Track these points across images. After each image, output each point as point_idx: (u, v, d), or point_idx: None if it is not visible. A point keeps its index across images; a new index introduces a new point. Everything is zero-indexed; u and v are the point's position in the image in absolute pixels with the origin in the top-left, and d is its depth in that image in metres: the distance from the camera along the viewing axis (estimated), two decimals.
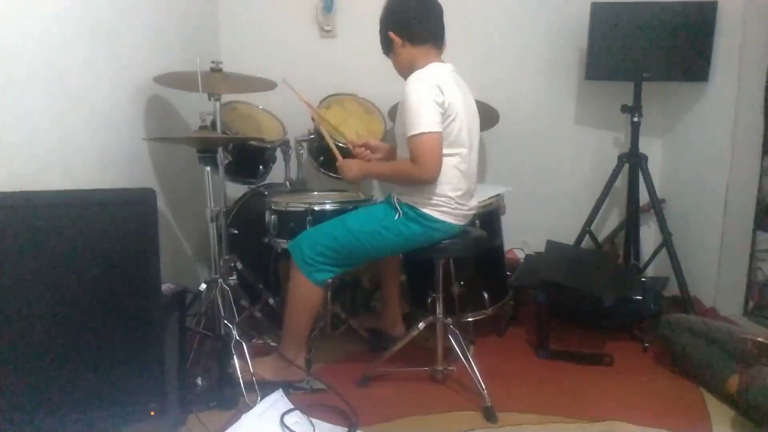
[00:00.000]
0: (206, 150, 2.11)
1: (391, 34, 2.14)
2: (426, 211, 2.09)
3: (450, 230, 2.13)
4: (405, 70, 2.12)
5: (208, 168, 2.14)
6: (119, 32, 2.25)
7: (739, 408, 2.00)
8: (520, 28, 3.32)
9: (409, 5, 2.15)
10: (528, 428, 1.95)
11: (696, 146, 3.13)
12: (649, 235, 3.39)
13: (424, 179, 2.01)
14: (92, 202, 1.03)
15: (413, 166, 1.99)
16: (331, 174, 2.77)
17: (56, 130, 1.87)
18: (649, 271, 3.32)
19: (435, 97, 1.97)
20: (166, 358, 1.80)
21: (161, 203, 2.63)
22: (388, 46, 2.19)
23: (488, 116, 3.12)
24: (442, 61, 2.16)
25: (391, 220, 2.11)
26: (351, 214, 2.20)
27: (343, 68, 3.30)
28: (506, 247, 3.30)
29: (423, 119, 1.95)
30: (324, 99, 3.01)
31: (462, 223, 2.17)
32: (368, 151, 2.38)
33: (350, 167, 2.23)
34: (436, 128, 1.96)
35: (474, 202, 2.25)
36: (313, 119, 2.70)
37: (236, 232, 2.70)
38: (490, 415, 2.04)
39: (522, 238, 3.38)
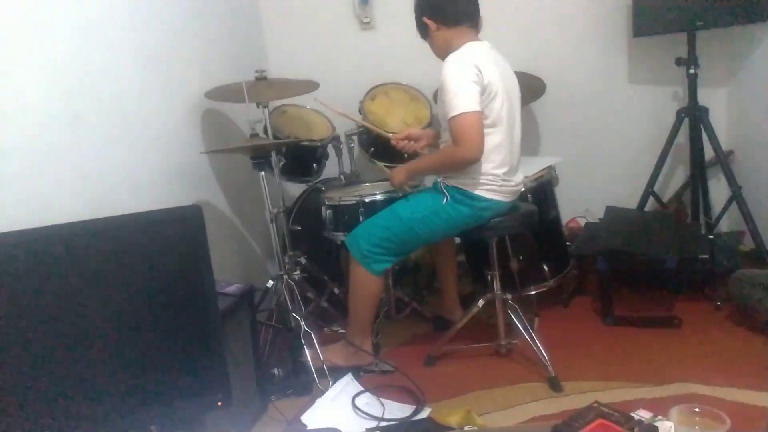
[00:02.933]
0: (258, 156, 2.24)
1: (425, 19, 2.18)
2: (472, 191, 2.12)
3: (498, 208, 2.16)
4: (442, 52, 2.15)
5: (262, 173, 2.27)
6: (170, 56, 2.42)
7: None
8: None
9: None
10: (593, 395, 1.93)
11: (763, 92, 2.95)
12: (719, 190, 3.24)
13: (469, 159, 2.04)
14: (141, 225, 1.14)
15: (456, 148, 2.03)
16: (389, 166, 2.82)
17: (121, 156, 2.05)
18: (723, 227, 3.18)
19: (473, 77, 1.99)
20: (241, 353, 1.98)
21: (227, 210, 2.81)
22: (424, 31, 2.22)
23: (534, 87, 3.08)
24: (479, 40, 2.17)
25: (439, 204, 2.16)
26: (401, 202, 2.27)
27: (385, 58, 3.35)
28: (568, 216, 3.28)
29: (461, 100, 1.98)
30: (369, 91, 3.07)
31: (510, 199, 2.20)
32: (412, 142, 2.40)
33: (398, 173, 2.29)
34: (476, 107, 1.99)
35: (520, 177, 2.26)
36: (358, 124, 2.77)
37: (299, 228, 2.84)
38: (555, 385, 2.07)
39: (584, 206, 3.32)
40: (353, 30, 3.48)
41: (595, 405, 1.12)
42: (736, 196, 2.83)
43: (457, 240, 2.74)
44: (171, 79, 2.42)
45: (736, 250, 2.91)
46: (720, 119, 3.17)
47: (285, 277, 2.33)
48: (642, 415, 1.09)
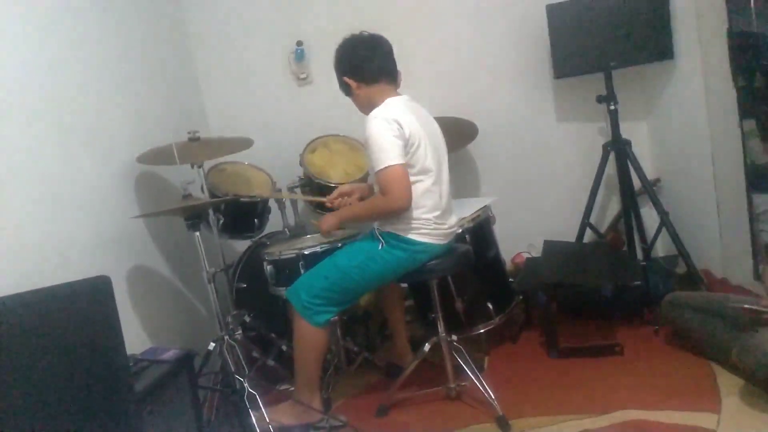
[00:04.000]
0: (192, 216, 2.23)
1: (346, 79, 2.26)
2: (406, 235, 2.16)
3: (433, 251, 2.20)
4: (366, 108, 2.22)
5: (197, 233, 2.26)
6: (95, 122, 2.41)
7: (743, 377, 1.99)
8: (484, 40, 3.40)
9: (356, 49, 2.26)
10: (540, 431, 1.98)
11: (677, 122, 3.14)
12: (652, 217, 3.38)
13: (396, 209, 2.09)
14: (46, 300, 1.11)
15: (384, 199, 2.09)
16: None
17: (47, 227, 2.01)
18: (659, 252, 3.31)
19: (394, 131, 2.07)
20: (183, 421, 1.92)
21: (167, 273, 2.77)
22: (346, 90, 2.31)
23: (467, 131, 3.20)
24: (398, 94, 2.27)
25: (375, 250, 2.19)
26: (339, 252, 2.29)
27: (324, 111, 3.41)
28: (513, 252, 3.36)
29: (385, 154, 2.04)
30: (309, 143, 3.12)
31: (444, 242, 2.24)
32: (345, 198, 2.43)
33: (326, 220, 2.32)
34: (399, 160, 2.05)
35: (454, 220, 2.32)
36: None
37: (245, 285, 2.82)
38: (503, 425, 2.08)
39: (526, 242, 3.41)
40: (290, 86, 3.56)
41: None
42: (665, 222, 2.95)
43: (405, 285, 2.77)
44: (99, 146, 2.41)
45: (672, 274, 3.03)
46: (645, 150, 3.34)
47: (226, 338, 2.29)
48: None
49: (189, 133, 2.51)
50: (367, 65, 2.23)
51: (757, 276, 2.80)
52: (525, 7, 3.28)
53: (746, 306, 1.90)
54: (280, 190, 3.01)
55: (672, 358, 2.33)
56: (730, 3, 2.70)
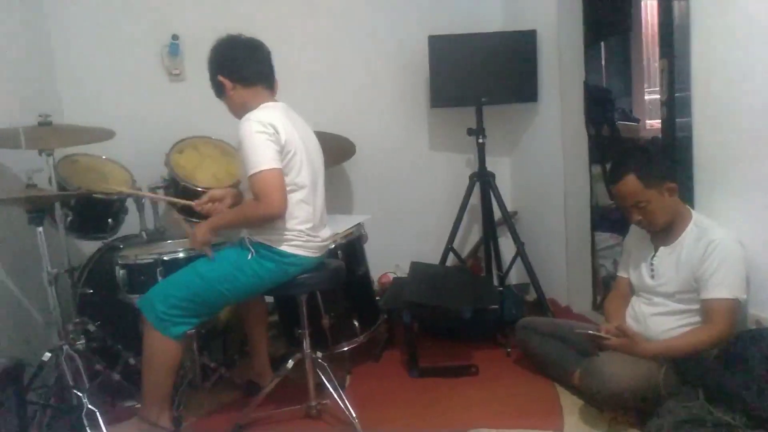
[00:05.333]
0: (36, 210, 1.98)
1: (221, 78, 2.16)
2: (278, 247, 2.09)
3: (304, 264, 2.15)
4: (239, 112, 2.13)
5: (40, 228, 2.01)
6: None
7: (583, 397, 2.18)
8: (366, 62, 3.47)
9: (235, 48, 2.17)
10: None
11: (536, 160, 3.41)
12: (508, 246, 3.61)
13: (271, 215, 2.02)
14: None
15: (258, 204, 2.00)
16: (193, 219, 2.67)
17: None
18: (513, 279, 3.54)
19: (269, 135, 2.00)
20: None
21: None
22: (219, 90, 2.19)
23: (345, 148, 3.21)
24: (275, 101, 2.21)
25: (244, 260, 2.09)
26: (202, 260, 2.15)
27: (196, 111, 3.21)
28: (380, 272, 3.40)
29: (260, 157, 1.97)
30: (176, 144, 2.93)
31: (317, 255, 2.20)
32: (216, 203, 2.29)
33: (200, 230, 2.15)
34: (275, 164, 1.99)
35: (327, 233, 2.29)
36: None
37: (91, 291, 2.55)
38: None
39: (394, 262, 3.47)
40: (161, 81, 3.34)
41: None
42: (520, 252, 3.17)
43: (270, 299, 2.68)
44: None
45: (523, 300, 3.25)
46: (506, 183, 3.59)
47: (65, 347, 2.05)
48: None
49: (40, 116, 2.25)
50: (245, 67, 2.15)
51: (595, 305, 3.10)
52: (409, 34, 3.41)
53: (590, 332, 2.08)
54: (140, 189, 2.79)
55: (522, 379, 2.48)
56: (587, 57, 3.01)
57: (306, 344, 2.25)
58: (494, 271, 3.39)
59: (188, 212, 2.53)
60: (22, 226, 2.08)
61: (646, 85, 4.23)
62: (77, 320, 2.31)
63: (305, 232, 2.13)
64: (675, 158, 2.15)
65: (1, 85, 2.60)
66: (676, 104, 2.14)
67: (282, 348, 2.80)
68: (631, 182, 1.99)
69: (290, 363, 2.24)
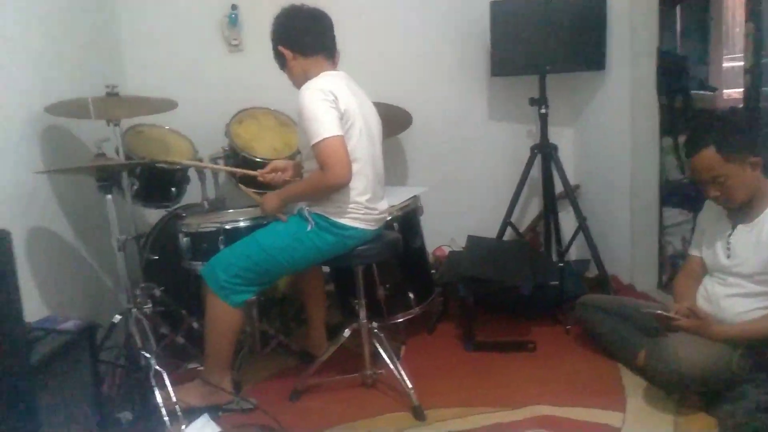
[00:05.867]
0: (105, 178, 2.04)
1: (281, 48, 2.15)
2: (337, 219, 2.09)
3: (363, 236, 2.15)
4: (300, 81, 2.12)
5: (110, 196, 2.08)
6: (3, 65, 2.15)
7: (648, 379, 2.10)
8: (425, 31, 3.38)
9: (296, 19, 2.16)
10: (455, 422, 1.99)
11: (601, 132, 3.27)
12: (569, 221, 3.51)
13: (337, 184, 2.01)
14: None
15: (324, 174, 1.99)
16: (258, 192, 2.71)
17: None
18: (572, 255, 3.44)
19: (330, 103, 1.99)
20: (80, 396, 1.77)
21: (70, 237, 2.54)
22: (281, 61, 2.20)
23: (401, 119, 3.17)
24: (336, 70, 2.19)
25: (304, 231, 2.10)
26: (262, 230, 2.17)
27: (254, 82, 3.25)
28: (434, 245, 3.38)
29: (322, 125, 1.96)
30: (236, 114, 2.97)
31: (374, 227, 2.19)
32: (279, 173, 2.33)
33: (270, 200, 2.19)
34: (337, 132, 1.97)
35: (385, 206, 2.27)
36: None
37: (156, 257, 2.64)
38: (418, 414, 2.07)
39: (449, 235, 3.43)
40: (221, 51, 3.37)
41: None
42: (582, 227, 3.07)
43: (326, 269, 2.70)
44: (4, 90, 2.15)
45: (583, 277, 3.16)
46: (568, 156, 3.46)
47: (134, 311, 2.13)
48: None
49: (107, 87, 2.30)
50: (305, 36, 2.14)
51: (661, 284, 2.98)
52: (470, 1, 3.28)
53: (659, 312, 1.99)
54: (201, 160, 2.84)
55: (582, 357, 2.42)
56: (661, 21, 2.83)
57: (362, 314, 2.26)
58: (554, 247, 3.31)
59: (248, 182, 2.57)
60: (92, 194, 2.15)
61: (725, 52, 3.96)
62: (144, 285, 2.40)
63: (363, 204, 2.12)
64: (759, 130, 2.01)
65: (71, 57, 2.67)
66: (762, 72, 1.99)
67: (337, 317, 2.83)
68: (709, 155, 1.87)
69: (347, 332, 2.26)
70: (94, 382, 1.85)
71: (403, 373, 2.16)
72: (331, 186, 2.02)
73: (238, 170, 2.54)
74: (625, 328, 2.25)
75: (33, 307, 2.10)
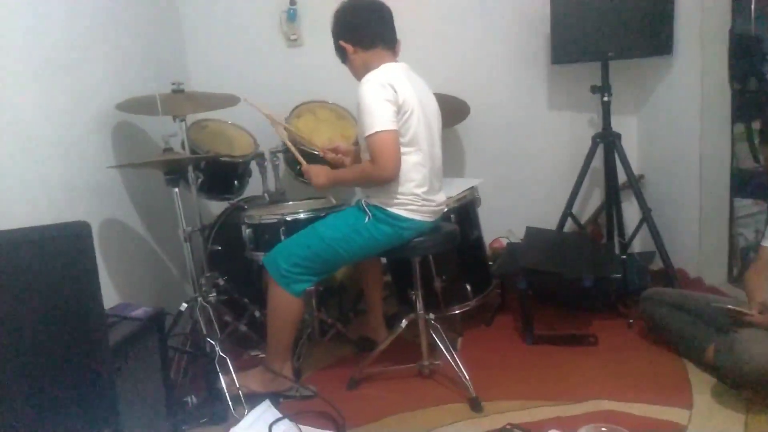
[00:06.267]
0: (172, 171, 2.13)
1: (342, 42, 2.18)
2: (394, 210, 2.11)
3: (420, 228, 2.16)
4: (361, 74, 2.14)
5: (176, 189, 2.17)
6: (77, 63, 2.28)
7: (717, 376, 2.02)
8: (483, 20, 3.33)
9: (355, 12, 2.18)
10: (512, 415, 1.96)
11: (668, 120, 3.14)
12: (632, 212, 3.40)
13: (385, 177, 2.03)
14: (20, 241, 1.02)
15: (373, 167, 2.02)
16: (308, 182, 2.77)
17: (17, 169, 1.89)
18: (636, 247, 3.33)
19: (387, 96, 2.00)
20: (150, 380, 1.86)
21: (140, 228, 2.67)
22: (342, 55, 2.23)
23: (458, 110, 3.14)
24: (396, 61, 2.19)
25: (361, 223, 2.13)
26: (322, 221, 2.22)
27: (312, 76, 3.32)
28: (492, 236, 3.34)
29: (377, 119, 1.98)
30: (295, 108, 3.03)
31: (431, 219, 2.20)
32: (340, 155, 2.39)
33: (317, 173, 2.23)
34: (391, 126, 1.99)
35: (442, 197, 2.27)
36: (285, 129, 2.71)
37: (219, 248, 2.74)
38: (475, 406, 2.06)
39: (507, 227, 3.39)
40: (280, 46, 3.44)
41: (508, 427, 1.11)
42: (647, 218, 2.96)
43: (383, 260, 2.73)
44: (78, 88, 2.27)
45: (647, 270, 3.05)
46: (632, 145, 3.34)
47: (200, 299, 2.22)
48: None
49: (173, 84, 2.41)
50: (365, 29, 2.16)
51: (732, 278, 2.84)
52: None
53: (730, 306, 1.91)
54: (262, 154, 2.92)
55: (645, 352, 2.35)
56: (734, 2, 2.68)
57: (419, 305, 2.27)
58: (616, 238, 3.21)
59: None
60: (160, 188, 2.25)
61: None
62: (208, 275, 2.49)
63: (420, 196, 2.12)
64: None
65: (138, 56, 2.80)
66: None
67: (394, 308, 2.85)
68: None
69: (404, 322, 2.27)
70: (162, 367, 1.94)
71: (460, 364, 2.16)
72: (378, 178, 2.04)
73: (299, 143, 2.57)
74: (693, 323, 2.17)
75: (105, 295, 2.21)
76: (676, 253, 2.99)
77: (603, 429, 1.09)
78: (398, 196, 2.10)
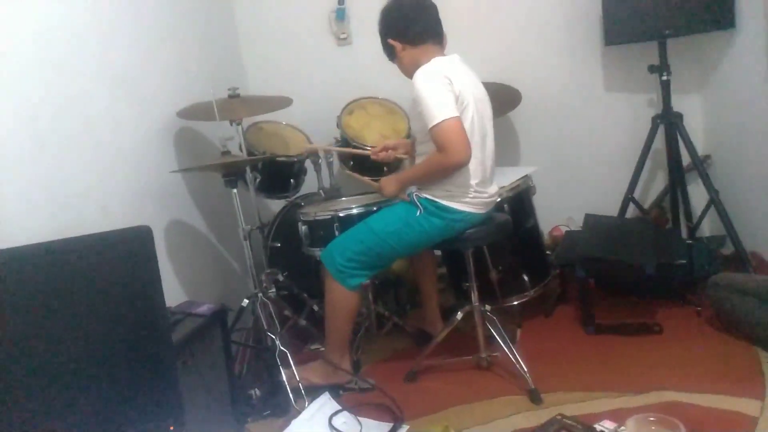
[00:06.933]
0: (230, 173, 2.22)
1: (390, 41, 2.20)
2: (445, 203, 2.12)
3: (472, 219, 2.15)
4: (411, 71, 2.15)
5: (235, 190, 2.26)
6: (140, 75, 2.41)
7: None
8: (530, 5, 3.27)
9: (401, 10, 2.20)
10: (572, 406, 1.93)
11: (734, 96, 2.98)
12: (699, 195, 3.24)
13: (458, 163, 2.01)
14: (87, 247, 1.10)
15: (444, 155, 2.00)
16: (374, 179, 2.79)
17: (89, 177, 2.02)
18: (706, 231, 3.19)
19: (446, 86, 2.01)
20: (214, 374, 1.95)
21: (203, 228, 2.79)
22: (390, 53, 2.25)
23: (510, 98, 3.10)
24: (445, 55, 2.20)
25: (413, 216, 2.15)
26: (374, 216, 2.25)
27: (362, 73, 3.35)
28: (551, 225, 3.29)
29: (438, 108, 1.98)
30: (346, 105, 3.07)
31: (483, 211, 2.19)
32: (390, 151, 2.41)
33: (386, 184, 2.26)
34: (454, 113, 1.98)
35: (495, 189, 2.26)
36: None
37: (279, 245, 2.82)
38: (534, 398, 2.04)
39: (566, 215, 3.32)
40: (330, 46, 3.50)
41: (559, 417, 1.10)
42: (714, 201, 2.83)
43: (438, 253, 2.73)
44: (142, 99, 2.41)
45: (717, 254, 2.92)
46: (696, 124, 3.19)
47: (260, 295, 2.30)
48: (605, 426, 1.08)
49: (229, 89, 2.50)
50: (412, 26, 2.17)
51: None
52: None
53: None
54: (316, 151, 2.98)
55: (714, 341, 2.25)
56: None
57: (474, 297, 2.27)
58: (683, 223, 3.09)
59: (362, 167, 2.66)
60: (220, 189, 2.35)
61: None
62: (268, 271, 2.57)
63: (473, 187, 2.12)
64: None
65: (197, 64, 2.92)
66: None
67: (450, 300, 2.85)
68: None
69: (459, 314, 2.28)
70: (226, 361, 2.03)
71: (517, 355, 2.15)
72: (452, 166, 2.03)
73: (348, 150, 2.66)
74: (761, 307, 2.06)
75: (172, 293, 2.34)
76: (749, 236, 2.84)
77: (651, 418, 1.06)
78: (450, 188, 2.11)
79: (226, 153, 2.26)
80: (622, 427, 1.04)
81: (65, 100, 1.95)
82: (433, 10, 2.21)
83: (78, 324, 1.11)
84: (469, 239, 2.17)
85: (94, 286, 1.12)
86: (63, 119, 1.93)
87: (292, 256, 2.76)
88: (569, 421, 1.03)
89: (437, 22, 2.21)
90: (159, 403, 1.16)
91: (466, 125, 2.05)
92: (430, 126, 1.99)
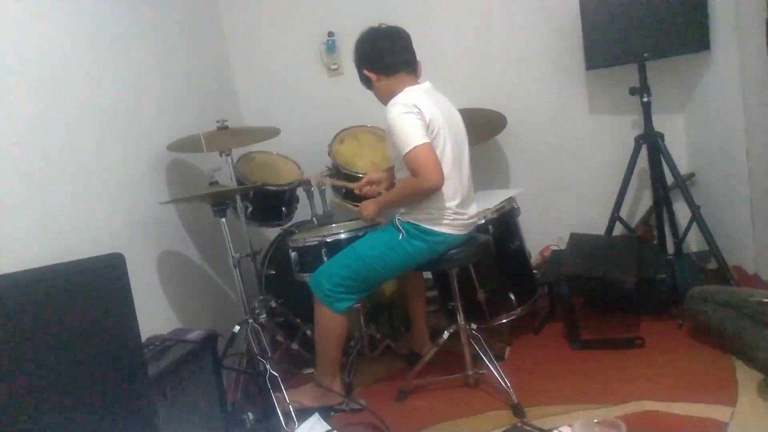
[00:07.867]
0: (218, 203, 2.31)
1: (366, 72, 2.30)
2: (426, 226, 2.19)
3: (453, 241, 2.23)
4: (386, 99, 2.25)
5: (223, 219, 2.34)
6: (131, 110, 2.52)
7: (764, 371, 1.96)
8: (515, 30, 3.37)
9: (374, 41, 2.30)
10: (553, 419, 1.98)
11: (712, 115, 3.06)
12: (685, 212, 3.31)
13: (430, 187, 2.10)
14: (59, 276, 1.12)
15: (416, 180, 2.10)
16: (355, 204, 2.88)
17: (78, 209, 2.11)
18: (692, 247, 3.25)
19: (414, 114, 2.10)
20: (205, 399, 2.01)
21: (196, 258, 2.87)
22: (367, 83, 2.35)
23: (496, 122, 3.19)
24: (419, 83, 2.29)
25: (396, 240, 2.22)
26: (360, 241, 2.33)
27: (354, 102, 3.39)
28: (542, 245, 3.35)
29: (409, 136, 2.07)
30: (337, 134, 3.16)
31: (464, 232, 2.26)
32: (374, 186, 2.49)
33: (365, 206, 2.36)
34: (424, 140, 2.07)
35: (474, 210, 2.33)
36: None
37: (273, 272, 2.89)
38: (518, 412, 2.09)
39: (556, 235, 3.38)
40: (322, 76, 3.62)
41: (519, 425, 1.16)
42: (696, 217, 2.89)
43: (428, 275, 2.80)
44: (133, 133, 2.51)
45: (702, 269, 2.97)
46: (680, 143, 3.27)
47: (250, 321, 2.37)
48: (562, 430, 1.14)
49: (218, 122, 2.60)
50: (386, 57, 2.26)
51: None
52: None
53: (766, 300, 1.86)
54: (307, 180, 3.06)
55: (693, 352, 2.30)
56: None
57: (460, 317, 2.33)
58: (671, 239, 3.14)
59: (350, 196, 2.75)
60: (211, 218, 2.44)
61: None
62: (261, 297, 2.64)
63: (452, 209, 2.19)
64: None
65: (190, 98, 3.04)
66: None
67: (442, 321, 2.91)
68: None
69: (445, 334, 2.34)
70: (218, 387, 2.09)
71: (502, 372, 2.20)
72: (426, 190, 2.11)
73: (335, 182, 2.76)
74: (738, 319, 2.10)
75: (166, 321, 2.42)
76: (733, 250, 2.90)
77: (595, 420, 1.12)
78: (431, 211, 2.19)
79: (214, 183, 2.35)
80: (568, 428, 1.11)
81: (55, 133, 2.05)
82: (406, 40, 2.31)
83: (44, 355, 1.08)
84: (452, 260, 2.24)
85: (63, 316, 1.11)
86: (51, 152, 2.02)
87: (286, 283, 2.82)
88: (528, 428, 1.09)
89: (410, 53, 2.31)
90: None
91: (438, 151, 2.14)
92: (403, 153, 2.09)
